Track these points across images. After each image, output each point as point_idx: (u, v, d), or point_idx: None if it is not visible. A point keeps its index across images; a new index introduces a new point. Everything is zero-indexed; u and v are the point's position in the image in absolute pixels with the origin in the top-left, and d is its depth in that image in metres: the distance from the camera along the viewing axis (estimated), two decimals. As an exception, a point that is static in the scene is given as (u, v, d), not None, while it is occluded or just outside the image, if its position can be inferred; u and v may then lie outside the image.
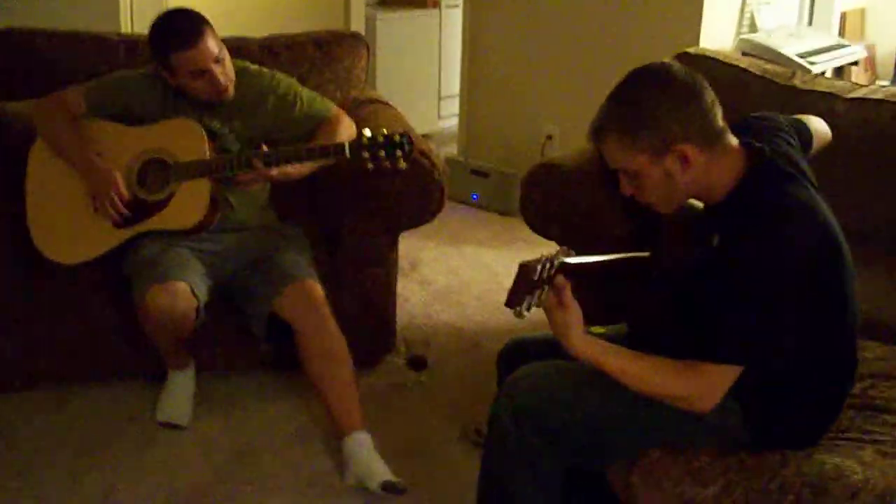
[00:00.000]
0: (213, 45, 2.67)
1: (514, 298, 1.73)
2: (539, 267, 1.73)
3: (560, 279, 1.80)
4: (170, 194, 2.72)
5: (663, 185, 1.83)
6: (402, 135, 2.52)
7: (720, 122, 1.83)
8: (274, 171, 2.66)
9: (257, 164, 2.61)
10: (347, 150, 2.54)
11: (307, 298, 2.67)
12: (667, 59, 3.26)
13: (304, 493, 2.56)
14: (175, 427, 2.80)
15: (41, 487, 2.54)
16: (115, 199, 2.68)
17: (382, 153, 2.51)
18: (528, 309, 1.74)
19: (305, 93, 2.92)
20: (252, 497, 2.55)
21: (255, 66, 2.93)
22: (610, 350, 1.86)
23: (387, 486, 2.48)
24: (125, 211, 2.70)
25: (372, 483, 2.50)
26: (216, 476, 2.61)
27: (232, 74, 2.76)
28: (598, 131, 1.86)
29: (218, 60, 2.69)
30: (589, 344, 1.86)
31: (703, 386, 1.79)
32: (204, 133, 2.71)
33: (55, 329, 2.84)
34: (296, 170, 2.72)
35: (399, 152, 2.52)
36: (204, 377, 2.94)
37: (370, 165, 2.54)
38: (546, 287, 1.77)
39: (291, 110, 2.86)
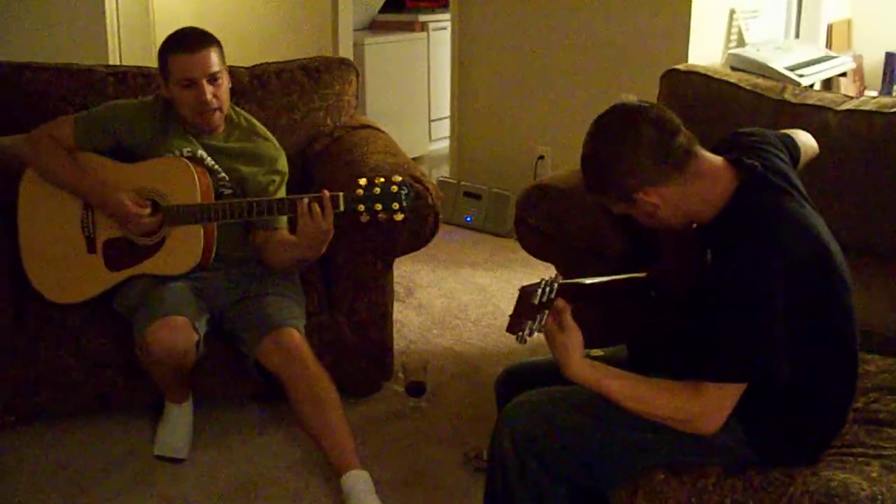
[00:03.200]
0: (212, 62, 2.66)
1: (516, 324, 1.74)
2: (539, 291, 1.73)
3: (560, 302, 1.80)
4: (162, 238, 2.69)
5: (651, 219, 1.89)
6: (399, 185, 2.42)
7: (678, 148, 1.82)
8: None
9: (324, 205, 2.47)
10: (342, 204, 2.44)
11: (286, 348, 2.62)
12: (658, 75, 3.31)
13: (305, 524, 2.53)
14: (173, 461, 2.77)
15: (39, 526, 2.51)
16: (138, 220, 2.65)
17: (379, 206, 2.42)
18: (531, 334, 1.74)
19: (283, 189, 2.89)
20: (253, 530, 2.52)
21: (264, 129, 2.92)
22: (610, 373, 1.85)
23: None
24: (153, 223, 2.66)
25: None
26: (216, 509, 2.58)
27: (224, 105, 2.74)
28: (586, 190, 1.95)
29: (213, 80, 2.67)
30: (589, 368, 1.85)
31: (706, 407, 1.78)
32: (195, 175, 2.66)
33: (49, 363, 2.80)
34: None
35: (396, 205, 2.41)
36: (201, 408, 2.91)
37: (365, 218, 2.44)
38: (546, 311, 1.77)
39: (267, 191, 2.82)
